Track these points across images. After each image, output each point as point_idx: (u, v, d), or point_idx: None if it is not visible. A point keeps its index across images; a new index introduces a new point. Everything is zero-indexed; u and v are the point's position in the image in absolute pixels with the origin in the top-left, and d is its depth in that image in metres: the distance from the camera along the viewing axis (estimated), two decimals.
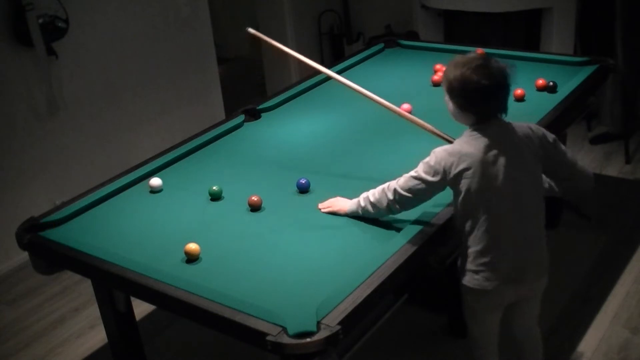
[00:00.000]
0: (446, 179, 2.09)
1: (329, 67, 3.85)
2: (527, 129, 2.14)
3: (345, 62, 3.88)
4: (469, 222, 2.12)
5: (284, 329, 1.81)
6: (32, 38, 3.66)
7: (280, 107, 3.39)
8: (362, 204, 2.28)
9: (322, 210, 2.41)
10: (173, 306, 2.07)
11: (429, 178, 2.10)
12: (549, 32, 4.88)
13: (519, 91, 3.17)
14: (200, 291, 2.01)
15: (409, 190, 2.14)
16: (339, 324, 1.81)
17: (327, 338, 1.77)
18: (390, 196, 2.18)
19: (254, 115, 3.27)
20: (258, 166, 2.82)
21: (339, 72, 3.75)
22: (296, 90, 3.53)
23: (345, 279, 2.00)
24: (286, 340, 1.78)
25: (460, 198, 2.09)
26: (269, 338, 1.79)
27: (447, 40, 5.17)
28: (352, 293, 1.93)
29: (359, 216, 2.34)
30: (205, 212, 2.51)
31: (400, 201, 2.18)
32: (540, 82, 3.24)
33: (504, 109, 2.10)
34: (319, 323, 1.82)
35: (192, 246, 2.21)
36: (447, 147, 2.12)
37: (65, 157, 4.08)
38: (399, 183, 2.17)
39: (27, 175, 3.92)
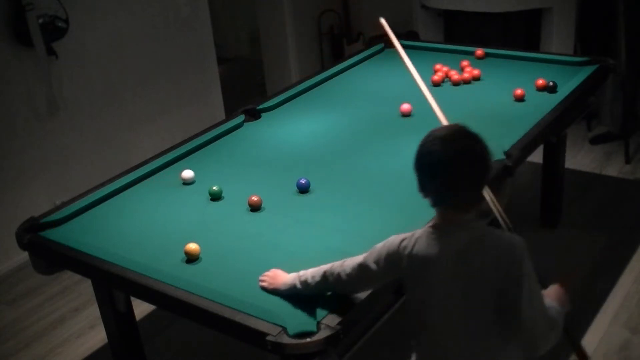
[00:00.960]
0: (394, 274, 1.80)
1: (328, 68, 3.88)
2: (502, 250, 1.65)
3: (345, 62, 3.89)
4: (412, 320, 1.85)
5: (284, 329, 1.81)
6: (32, 38, 3.66)
7: (280, 107, 3.38)
8: (299, 286, 1.95)
9: (260, 284, 2.05)
10: (173, 306, 2.07)
11: (376, 268, 1.80)
12: (549, 32, 4.88)
13: (519, 91, 3.18)
14: (200, 291, 2.01)
15: (355, 278, 1.84)
16: (339, 324, 1.82)
17: (327, 338, 1.77)
18: (332, 280, 1.88)
19: (254, 115, 3.27)
20: (258, 166, 2.82)
21: (339, 72, 3.78)
22: (296, 90, 3.53)
23: None
24: (286, 340, 1.78)
25: (405, 295, 1.84)
26: (269, 338, 1.79)
27: (447, 40, 5.18)
28: None
29: (358, 214, 2.34)
30: (205, 212, 2.51)
31: (345, 288, 1.90)
32: (540, 82, 3.24)
33: (463, 202, 1.66)
34: (319, 323, 1.83)
35: (192, 246, 2.21)
36: (403, 237, 1.77)
37: (65, 157, 4.08)
38: (345, 270, 1.86)
39: (27, 175, 3.92)
